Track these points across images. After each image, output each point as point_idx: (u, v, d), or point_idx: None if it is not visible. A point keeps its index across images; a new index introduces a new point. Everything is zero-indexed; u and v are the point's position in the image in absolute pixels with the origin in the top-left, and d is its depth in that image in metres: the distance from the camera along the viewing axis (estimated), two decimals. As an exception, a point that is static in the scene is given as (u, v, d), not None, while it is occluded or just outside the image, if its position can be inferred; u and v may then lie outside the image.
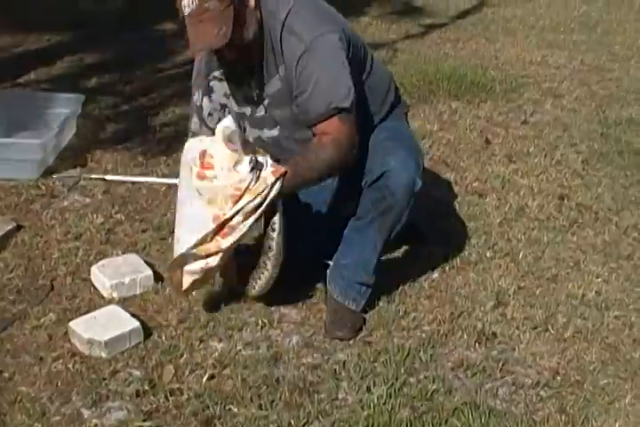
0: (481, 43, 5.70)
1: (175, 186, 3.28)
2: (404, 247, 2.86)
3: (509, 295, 2.63)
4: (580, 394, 2.19)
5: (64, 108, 3.64)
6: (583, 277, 2.78)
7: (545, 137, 3.99)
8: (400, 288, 2.62)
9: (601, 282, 2.75)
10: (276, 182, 2.15)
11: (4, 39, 5.21)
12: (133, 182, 3.33)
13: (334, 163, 2.22)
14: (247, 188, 2.13)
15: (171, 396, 2.11)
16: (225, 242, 2.18)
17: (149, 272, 2.60)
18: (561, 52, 5.50)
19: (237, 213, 2.15)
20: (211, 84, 2.41)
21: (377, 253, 2.41)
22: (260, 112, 2.38)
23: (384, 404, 2.08)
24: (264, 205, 2.16)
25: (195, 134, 2.46)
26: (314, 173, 2.23)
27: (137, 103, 4.23)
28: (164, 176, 3.42)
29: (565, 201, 3.31)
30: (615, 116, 4.32)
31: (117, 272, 2.57)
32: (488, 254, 2.88)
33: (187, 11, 2.10)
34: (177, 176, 3.34)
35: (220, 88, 2.41)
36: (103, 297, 2.54)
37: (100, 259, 2.70)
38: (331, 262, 2.59)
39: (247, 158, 2.15)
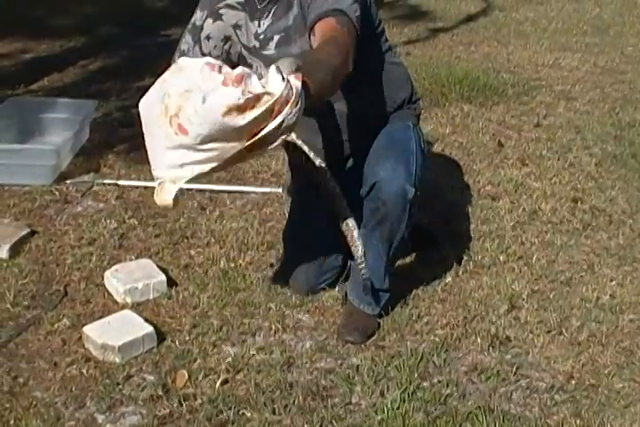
0: (493, 46, 5.70)
1: (187, 191, 3.30)
2: (417, 252, 2.85)
3: (523, 299, 2.62)
4: (595, 398, 2.18)
5: (77, 114, 3.66)
6: (597, 280, 2.76)
7: (558, 140, 3.98)
8: (413, 292, 2.61)
9: (615, 285, 2.73)
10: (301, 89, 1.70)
11: (17, 45, 5.25)
12: (146, 187, 3.34)
13: (338, 62, 1.90)
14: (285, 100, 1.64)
15: (184, 401, 2.11)
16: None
17: (163, 277, 2.61)
18: (573, 55, 5.48)
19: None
20: (221, 11, 2.31)
21: (383, 262, 2.39)
22: (270, 50, 2.28)
23: (397, 408, 2.08)
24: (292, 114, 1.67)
25: (183, 55, 2.29)
26: (327, 74, 1.86)
27: (149, 109, 4.24)
28: (176, 181, 3.42)
29: (579, 204, 3.30)
30: (629, 118, 4.30)
31: (131, 277, 2.58)
32: (501, 258, 2.87)
33: None
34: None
35: (231, 17, 2.30)
36: (117, 302, 2.55)
37: (114, 264, 2.70)
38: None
39: (272, 68, 1.67)
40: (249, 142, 1.67)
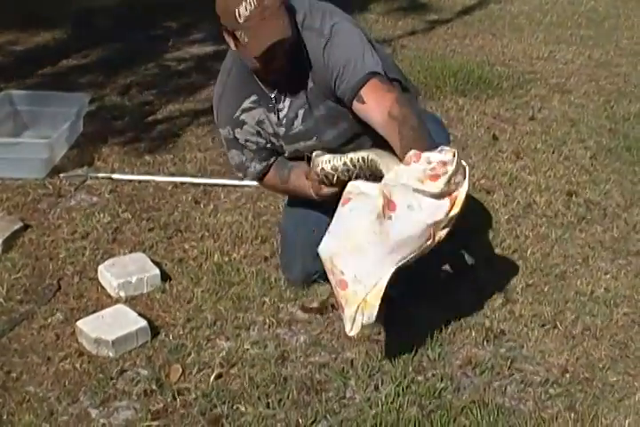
0: (487, 39, 5.67)
1: (181, 184, 3.30)
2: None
3: (517, 293, 2.62)
4: (590, 391, 2.18)
5: (70, 108, 3.64)
6: (592, 273, 2.76)
7: (552, 133, 3.97)
8: (407, 286, 2.60)
9: (610, 278, 2.73)
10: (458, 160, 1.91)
11: (10, 38, 5.22)
12: (140, 181, 3.33)
13: (417, 116, 2.13)
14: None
15: (178, 395, 2.11)
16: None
17: (156, 271, 2.60)
18: (568, 48, 5.46)
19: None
20: (240, 118, 2.37)
21: None
22: (296, 129, 2.37)
23: (392, 402, 2.08)
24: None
25: (244, 166, 2.46)
26: (425, 136, 2.10)
27: (143, 101, 4.23)
28: (170, 175, 3.42)
29: (573, 197, 3.30)
30: (623, 111, 4.29)
31: (124, 271, 2.57)
32: (496, 251, 2.86)
33: (247, 13, 2.06)
34: (184, 175, 3.39)
35: (251, 118, 2.37)
36: (110, 296, 2.54)
37: (107, 258, 2.70)
38: None
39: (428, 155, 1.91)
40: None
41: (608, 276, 2.75)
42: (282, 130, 2.37)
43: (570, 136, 3.93)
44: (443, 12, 6.30)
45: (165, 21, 5.68)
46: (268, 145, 2.42)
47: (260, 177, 2.49)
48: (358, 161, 2.16)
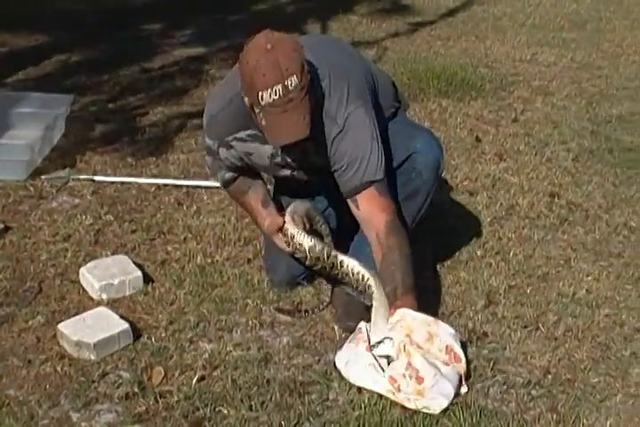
0: (471, 41, 5.69)
1: (164, 186, 3.29)
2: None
3: (500, 294, 2.63)
4: (572, 393, 2.19)
5: (52, 109, 3.62)
6: (574, 275, 2.77)
7: (535, 135, 3.99)
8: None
9: (591, 280, 2.74)
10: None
11: (-7, 39, 5.19)
12: (122, 183, 3.32)
13: (407, 243, 2.26)
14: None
15: (160, 398, 2.10)
16: None
17: (139, 273, 2.59)
18: (551, 50, 5.49)
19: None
20: (231, 143, 2.36)
21: None
22: (284, 172, 2.43)
23: (375, 404, 2.07)
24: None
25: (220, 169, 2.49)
26: (410, 268, 2.26)
27: (126, 103, 4.21)
28: (153, 177, 3.41)
29: (556, 199, 3.31)
30: (605, 113, 4.32)
31: (106, 274, 2.56)
32: (479, 253, 2.87)
33: (270, 101, 2.04)
34: (166, 177, 3.38)
35: (242, 147, 2.36)
36: (92, 299, 2.53)
37: (89, 260, 2.68)
38: None
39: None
40: None
41: (590, 277, 2.76)
42: (271, 167, 2.40)
43: (552, 138, 3.95)
44: (426, 14, 6.32)
45: (150, 23, 5.67)
46: (245, 168, 2.44)
47: (227, 184, 2.53)
48: (347, 268, 2.29)
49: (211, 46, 5.23)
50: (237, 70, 2.17)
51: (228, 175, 2.50)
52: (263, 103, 2.05)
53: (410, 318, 2.14)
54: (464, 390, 2.14)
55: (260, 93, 2.04)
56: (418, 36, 5.75)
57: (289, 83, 2.03)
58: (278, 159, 2.36)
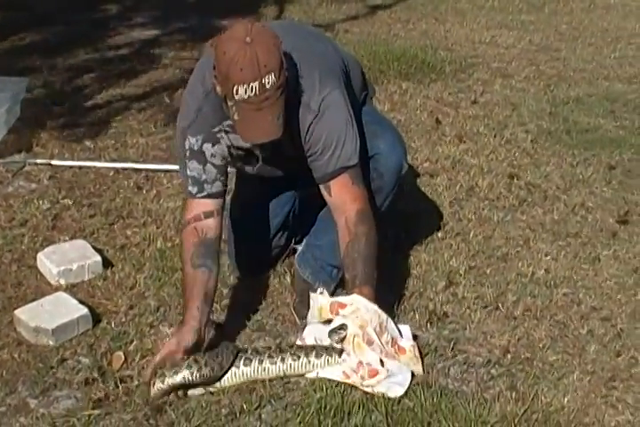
0: (431, 23, 5.70)
1: (122, 170, 3.25)
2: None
3: (460, 275, 2.65)
4: (530, 371, 2.21)
5: (7, 92, 3.55)
6: (532, 255, 2.80)
7: (494, 117, 4.01)
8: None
9: (550, 260, 2.78)
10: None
11: (-57, 21, 5.07)
12: (80, 167, 3.28)
13: (374, 233, 2.25)
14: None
15: (121, 383, 2.08)
16: None
17: (98, 258, 2.56)
18: (509, 32, 5.53)
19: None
20: (217, 135, 2.23)
21: None
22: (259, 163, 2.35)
23: (336, 386, 2.07)
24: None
25: (198, 182, 2.24)
26: (376, 261, 2.26)
27: (82, 86, 4.15)
28: (112, 160, 3.37)
29: (515, 180, 3.34)
30: (563, 95, 4.36)
31: (65, 259, 2.53)
32: (439, 235, 2.89)
33: (245, 97, 1.97)
34: (125, 160, 3.34)
35: (227, 140, 2.25)
36: (50, 284, 2.49)
37: (47, 245, 2.65)
38: (299, 247, 2.58)
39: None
40: None
41: (548, 257, 2.79)
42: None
43: (511, 120, 3.98)
44: (386, -3, 6.31)
45: (106, 4, 5.58)
46: (229, 167, 2.32)
47: (200, 216, 2.22)
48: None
49: (167, 28, 5.18)
50: (208, 60, 2.10)
51: (216, 190, 2.24)
52: (237, 98, 1.99)
53: (364, 309, 2.14)
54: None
55: (235, 87, 1.97)
56: (377, 19, 5.74)
57: (266, 81, 1.97)
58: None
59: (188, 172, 2.23)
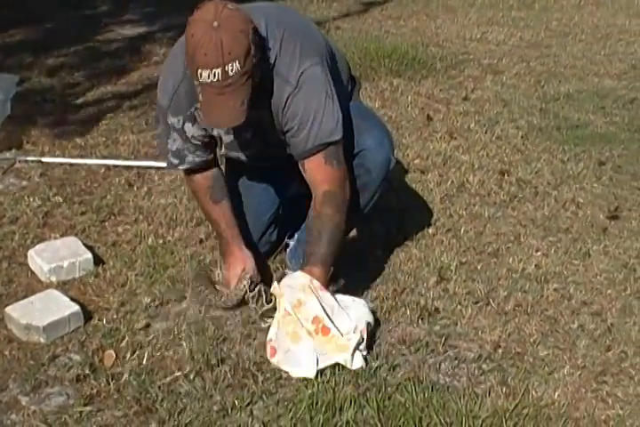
0: (422, 20, 5.71)
1: (114, 167, 3.25)
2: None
3: (451, 271, 2.65)
4: (521, 366, 2.22)
5: (-3, 89, 3.54)
6: (523, 250, 2.81)
7: (485, 113, 4.02)
8: (343, 266, 2.61)
9: (540, 255, 2.78)
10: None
11: None
12: (71, 164, 3.27)
13: (340, 217, 2.23)
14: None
15: (112, 380, 2.08)
16: None
17: (89, 255, 2.56)
18: (500, 29, 5.54)
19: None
20: (195, 113, 2.24)
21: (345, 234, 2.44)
22: (245, 139, 2.34)
23: (328, 382, 2.08)
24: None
25: (180, 154, 2.33)
26: (337, 245, 2.25)
27: (73, 83, 4.14)
28: (103, 158, 3.36)
29: (506, 176, 3.35)
30: (553, 91, 4.37)
31: (56, 256, 2.52)
32: (430, 231, 2.89)
33: (208, 81, 1.98)
34: (116, 157, 3.33)
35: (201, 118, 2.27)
36: (41, 282, 2.49)
37: (38, 243, 2.64)
38: (291, 242, 2.59)
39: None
40: None
41: (539, 253, 2.80)
42: (229, 138, 2.32)
43: (502, 116, 3.99)
44: (377, -7, 6.31)
45: (96, 1, 5.56)
46: (212, 141, 2.34)
47: (194, 170, 2.37)
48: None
49: (156, 25, 5.17)
50: (184, 40, 2.10)
51: (198, 159, 2.34)
52: (201, 80, 2.00)
53: (289, 282, 2.17)
54: (357, 364, 2.13)
55: (199, 71, 1.98)
56: (369, 16, 5.75)
57: (229, 68, 1.97)
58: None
59: (171, 145, 2.31)
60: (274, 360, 2.14)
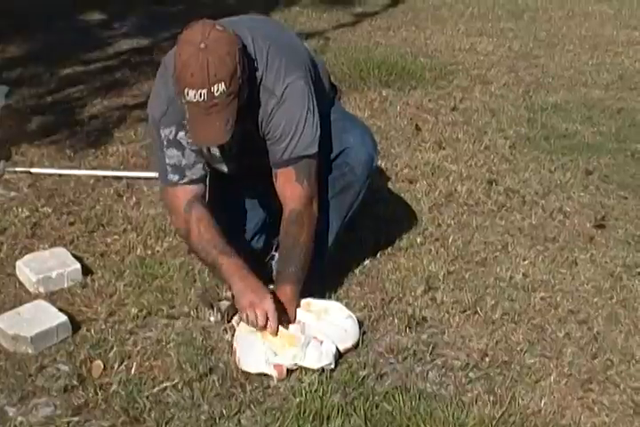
0: (411, 30, 5.74)
1: (103, 177, 3.25)
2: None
3: (439, 280, 2.66)
4: (508, 374, 2.23)
5: (-14, 101, 3.55)
6: (511, 259, 2.82)
7: (474, 123, 4.04)
8: (331, 275, 2.62)
9: (528, 264, 2.80)
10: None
11: None
12: (60, 175, 3.27)
13: (307, 235, 2.26)
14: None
15: (100, 390, 2.08)
16: None
17: (77, 266, 2.56)
18: (489, 40, 5.57)
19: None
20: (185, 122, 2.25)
21: (332, 236, 2.47)
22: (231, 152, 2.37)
23: (315, 391, 2.08)
24: None
25: (179, 169, 2.29)
26: (305, 262, 2.28)
27: (64, 95, 4.15)
28: (92, 168, 3.37)
29: (494, 186, 3.37)
30: (541, 101, 4.40)
31: (44, 266, 2.52)
32: (418, 240, 2.90)
33: (194, 101, 2.02)
34: (105, 168, 3.34)
35: None
36: (29, 292, 2.49)
37: (26, 253, 2.64)
38: (277, 254, 2.59)
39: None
40: None
41: (526, 262, 2.81)
42: (217, 151, 2.34)
43: (490, 126, 4.01)
44: (367, 5, 6.36)
45: (89, 13, 5.58)
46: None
47: (194, 189, 2.30)
48: None
49: (151, 38, 5.19)
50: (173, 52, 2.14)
51: (199, 174, 2.29)
52: (187, 99, 2.04)
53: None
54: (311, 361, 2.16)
55: (185, 89, 2.02)
56: (359, 27, 5.78)
57: (215, 89, 2.01)
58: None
59: (167, 160, 2.28)
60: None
